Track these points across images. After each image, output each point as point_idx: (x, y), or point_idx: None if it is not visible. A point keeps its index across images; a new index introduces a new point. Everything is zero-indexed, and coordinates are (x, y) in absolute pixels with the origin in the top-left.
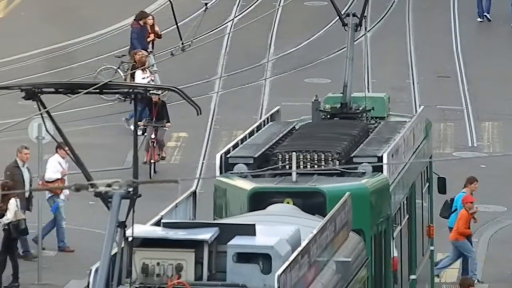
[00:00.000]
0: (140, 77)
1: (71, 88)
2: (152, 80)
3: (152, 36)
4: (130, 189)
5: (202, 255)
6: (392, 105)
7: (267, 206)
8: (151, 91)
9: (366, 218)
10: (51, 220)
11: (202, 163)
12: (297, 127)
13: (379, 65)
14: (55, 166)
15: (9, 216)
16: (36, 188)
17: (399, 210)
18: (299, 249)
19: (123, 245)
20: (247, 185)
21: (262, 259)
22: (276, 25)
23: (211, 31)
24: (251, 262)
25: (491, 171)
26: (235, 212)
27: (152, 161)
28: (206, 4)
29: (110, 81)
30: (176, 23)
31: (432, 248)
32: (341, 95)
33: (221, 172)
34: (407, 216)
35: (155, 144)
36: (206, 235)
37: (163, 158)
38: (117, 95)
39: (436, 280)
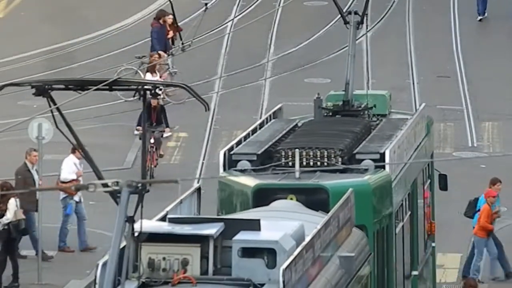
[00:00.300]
0: (149, 79)
1: (81, 85)
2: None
3: (171, 33)
4: (139, 184)
5: (208, 250)
6: (392, 105)
7: (270, 202)
8: (161, 88)
9: (368, 214)
10: (76, 222)
11: (202, 163)
12: (299, 124)
13: (379, 65)
14: (70, 167)
15: (9, 216)
16: (36, 188)
17: (401, 207)
18: (304, 244)
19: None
20: (251, 181)
21: (267, 254)
22: (276, 25)
23: (211, 31)
24: (256, 257)
25: (491, 171)
26: (238, 208)
27: (152, 166)
28: (206, 4)
29: (119, 78)
30: (176, 23)
31: (433, 244)
32: (343, 92)
33: (224, 169)
34: (409, 213)
35: (154, 149)
36: (212, 230)
37: (161, 156)
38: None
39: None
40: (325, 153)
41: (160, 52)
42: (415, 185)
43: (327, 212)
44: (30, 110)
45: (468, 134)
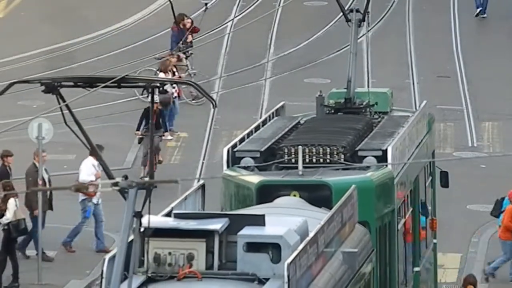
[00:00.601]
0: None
1: (89, 82)
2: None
3: (190, 38)
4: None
5: (213, 244)
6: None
7: (274, 199)
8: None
9: (371, 211)
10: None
11: (202, 163)
12: (302, 121)
13: (379, 65)
14: (89, 169)
15: (8, 216)
16: (36, 188)
17: (403, 203)
18: (308, 239)
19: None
20: (254, 178)
21: (272, 249)
22: (276, 25)
23: (211, 31)
24: (261, 252)
25: (491, 171)
26: (242, 205)
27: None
28: (206, 4)
29: (127, 75)
30: (176, 23)
31: (435, 241)
32: (345, 90)
33: (228, 166)
34: (411, 209)
35: (153, 156)
36: (217, 225)
37: (159, 162)
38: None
39: (491, 280)
40: (328, 150)
41: (179, 54)
42: (417, 182)
43: (330, 209)
44: (30, 110)
45: (468, 134)
